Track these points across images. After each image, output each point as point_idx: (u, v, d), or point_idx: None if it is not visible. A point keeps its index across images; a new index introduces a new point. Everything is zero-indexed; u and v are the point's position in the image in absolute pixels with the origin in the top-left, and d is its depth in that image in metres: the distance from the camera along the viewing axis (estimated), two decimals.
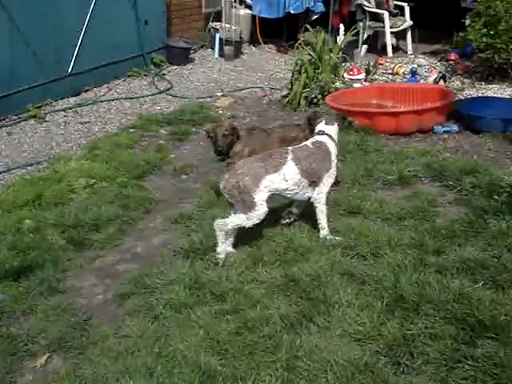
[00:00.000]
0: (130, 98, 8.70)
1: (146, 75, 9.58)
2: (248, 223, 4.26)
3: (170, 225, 5.01)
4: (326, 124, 4.66)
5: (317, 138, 4.60)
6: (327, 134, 4.60)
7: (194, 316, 3.66)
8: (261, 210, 4.24)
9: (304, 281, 3.89)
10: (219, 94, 8.72)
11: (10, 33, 7.53)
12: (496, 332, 3.31)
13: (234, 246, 4.43)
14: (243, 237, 4.49)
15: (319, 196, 4.49)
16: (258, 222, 4.28)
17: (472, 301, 3.58)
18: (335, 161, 4.57)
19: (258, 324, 3.51)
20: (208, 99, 8.62)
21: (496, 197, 4.93)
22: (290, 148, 4.50)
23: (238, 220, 4.28)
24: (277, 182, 4.31)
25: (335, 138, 4.65)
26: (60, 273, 4.39)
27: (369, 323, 3.47)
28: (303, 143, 4.63)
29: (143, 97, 8.78)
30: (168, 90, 9.10)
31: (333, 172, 4.54)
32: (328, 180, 4.52)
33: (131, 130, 7.33)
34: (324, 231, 4.50)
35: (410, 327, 3.42)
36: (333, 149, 4.57)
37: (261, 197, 4.24)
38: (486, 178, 5.27)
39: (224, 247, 4.32)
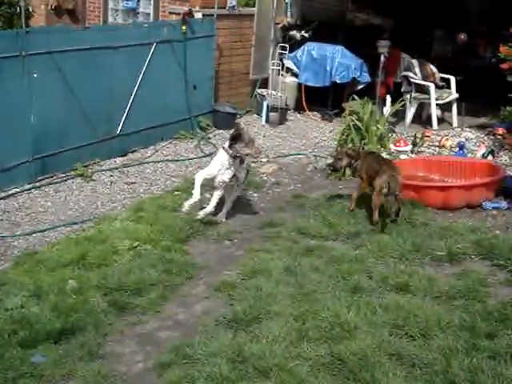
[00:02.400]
0: (176, 161, 8.78)
1: (192, 138, 9.68)
2: None
3: (213, 292, 4.94)
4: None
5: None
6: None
7: None
8: None
9: (351, 360, 3.77)
10: (264, 160, 8.75)
11: (64, 95, 7.75)
12: None
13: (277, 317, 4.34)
14: (287, 310, 4.40)
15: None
16: None
17: None
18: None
19: None
20: (253, 165, 8.64)
21: None
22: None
23: None
24: None
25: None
26: (101, 337, 4.34)
27: None
28: None
29: (189, 159, 8.84)
30: (213, 153, 9.15)
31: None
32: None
33: (176, 192, 7.35)
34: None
35: None
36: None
37: None
38: None
39: None
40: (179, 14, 9.78)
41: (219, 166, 6.30)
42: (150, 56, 8.89)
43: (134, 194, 7.52)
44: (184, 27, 9.41)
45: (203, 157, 8.96)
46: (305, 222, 6.17)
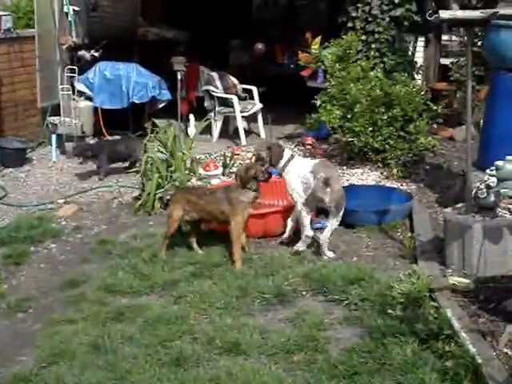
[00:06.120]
0: None
1: None
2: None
3: None
4: None
5: None
6: None
7: None
8: None
9: None
10: (61, 200, 7.68)
11: None
12: None
13: None
14: None
15: None
16: None
17: None
18: None
19: None
20: (49, 206, 7.57)
21: (390, 311, 4.32)
22: None
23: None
24: None
25: None
26: None
27: None
28: None
29: None
30: (2, 198, 7.96)
31: None
32: None
33: None
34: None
35: None
36: None
37: None
38: (374, 288, 4.67)
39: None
40: None
41: None
42: None
43: None
44: None
45: None
46: (113, 276, 5.31)
